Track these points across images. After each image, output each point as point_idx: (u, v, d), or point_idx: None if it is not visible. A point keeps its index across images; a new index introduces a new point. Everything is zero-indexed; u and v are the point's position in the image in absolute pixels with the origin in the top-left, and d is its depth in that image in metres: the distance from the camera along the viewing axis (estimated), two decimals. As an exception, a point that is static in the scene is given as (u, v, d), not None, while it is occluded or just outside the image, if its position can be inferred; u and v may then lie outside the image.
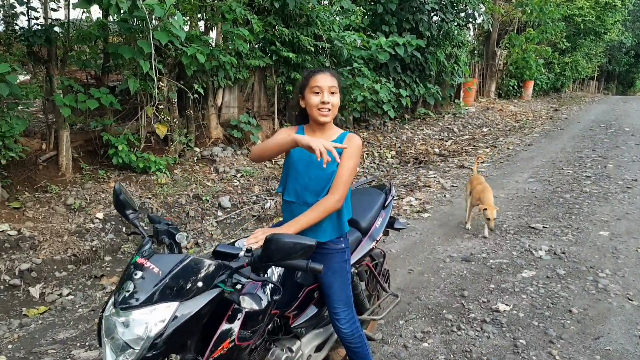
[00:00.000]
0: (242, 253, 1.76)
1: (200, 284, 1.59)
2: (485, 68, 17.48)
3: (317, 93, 2.07)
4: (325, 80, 2.07)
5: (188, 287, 1.57)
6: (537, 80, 20.16)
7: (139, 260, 1.60)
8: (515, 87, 18.81)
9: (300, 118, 2.27)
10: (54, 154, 5.48)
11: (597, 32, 22.46)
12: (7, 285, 4.05)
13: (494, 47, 17.48)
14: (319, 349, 2.49)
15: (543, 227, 5.33)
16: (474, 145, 10.48)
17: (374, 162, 8.57)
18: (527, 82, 19.19)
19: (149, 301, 1.51)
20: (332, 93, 2.10)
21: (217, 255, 1.83)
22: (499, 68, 17.87)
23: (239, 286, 1.73)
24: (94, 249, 4.71)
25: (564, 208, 5.99)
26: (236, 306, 1.76)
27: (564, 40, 20.65)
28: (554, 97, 22.63)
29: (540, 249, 4.70)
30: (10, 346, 3.28)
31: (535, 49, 18.18)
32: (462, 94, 14.30)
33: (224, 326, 1.75)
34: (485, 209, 4.91)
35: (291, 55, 7.50)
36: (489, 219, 4.92)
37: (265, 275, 1.93)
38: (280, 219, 2.34)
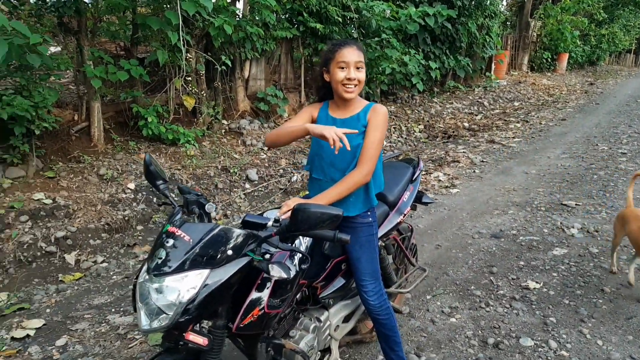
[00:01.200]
0: (270, 223, 1.78)
1: (230, 252, 1.61)
2: (518, 40, 16.89)
3: (343, 68, 2.01)
4: (352, 55, 2.00)
5: (218, 255, 1.59)
6: (572, 53, 19.39)
7: (171, 228, 1.62)
8: (549, 59, 18.14)
9: (324, 92, 2.20)
10: (85, 125, 5.57)
11: (637, 2, 21.41)
12: (43, 252, 4.19)
13: (528, 17, 16.84)
14: (346, 319, 2.51)
15: (576, 204, 5.19)
16: (505, 120, 10.23)
17: (402, 137, 8.46)
18: (561, 54, 18.46)
19: (181, 268, 1.54)
20: (358, 68, 2.03)
21: (245, 225, 1.84)
22: (532, 40, 17.25)
23: (267, 255, 1.74)
24: (126, 218, 4.82)
25: (598, 185, 5.81)
26: (265, 275, 1.78)
27: (601, 11, 19.74)
28: (589, 71, 21.80)
29: (573, 227, 4.58)
30: (48, 310, 3.41)
31: (570, 20, 17.45)
32: (493, 66, 13.85)
33: (254, 294, 1.78)
34: None
35: (318, 26, 7.38)
36: None
37: (294, 245, 1.93)
38: (307, 192, 2.33)
